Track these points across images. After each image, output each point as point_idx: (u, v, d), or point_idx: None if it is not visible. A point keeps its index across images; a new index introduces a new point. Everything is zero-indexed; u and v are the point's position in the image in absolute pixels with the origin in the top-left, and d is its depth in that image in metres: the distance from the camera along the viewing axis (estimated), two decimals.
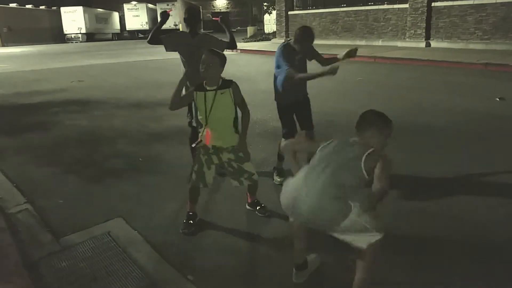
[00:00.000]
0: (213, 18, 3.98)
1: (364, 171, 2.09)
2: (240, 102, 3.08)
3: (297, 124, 3.99)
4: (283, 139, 3.94)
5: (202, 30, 4.06)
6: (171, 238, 3.06)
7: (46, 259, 2.83)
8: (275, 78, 3.86)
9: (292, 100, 3.91)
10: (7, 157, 5.11)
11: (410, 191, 3.77)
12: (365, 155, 2.10)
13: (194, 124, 4.04)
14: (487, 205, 3.42)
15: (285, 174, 4.07)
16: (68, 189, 4.09)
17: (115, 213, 3.46)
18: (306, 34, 3.70)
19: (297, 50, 3.72)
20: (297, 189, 2.21)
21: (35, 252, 2.91)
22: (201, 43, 3.87)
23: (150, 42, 4.01)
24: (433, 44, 15.33)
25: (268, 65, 14.07)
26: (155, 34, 3.98)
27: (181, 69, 3.98)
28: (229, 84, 3.01)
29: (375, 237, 2.11)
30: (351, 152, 2.18)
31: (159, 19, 4.17)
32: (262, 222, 3.29)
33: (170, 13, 4.39)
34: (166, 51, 4.05)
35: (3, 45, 33.02)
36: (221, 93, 2.96)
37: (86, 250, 2.92)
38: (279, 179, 4.02)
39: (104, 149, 5.36)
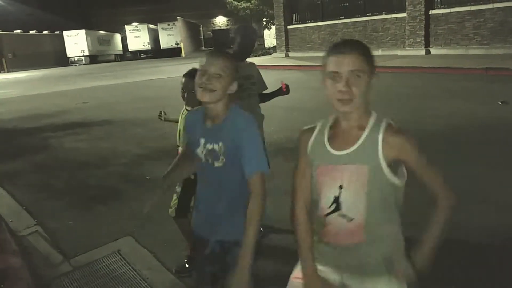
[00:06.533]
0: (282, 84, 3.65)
1: None
2: None
3: None
4: None
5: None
6: (180, 254, 3.07)
7: (58, 280, 2.86)
8: None
9: None
10: (15, 180, 5.17)
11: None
12: None
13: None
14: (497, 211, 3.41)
15: None
16: (76, 210, 4.13)
17: (124, 231, 3.49)
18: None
19: None
20: None
21: (47, 273, 2.95)
22: (244, 71, 3.12)
23: None
24: (433, 51, 15.40)
25: (268, 79, 14.06)
26: None
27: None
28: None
29: None
30: None
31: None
32: (272, 233, 3.30)
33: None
34: None
35: (8, 71, 33.52)
36: None
37: (97, 269, 2.95)
38: None
39: (109, 169, 5.41)
